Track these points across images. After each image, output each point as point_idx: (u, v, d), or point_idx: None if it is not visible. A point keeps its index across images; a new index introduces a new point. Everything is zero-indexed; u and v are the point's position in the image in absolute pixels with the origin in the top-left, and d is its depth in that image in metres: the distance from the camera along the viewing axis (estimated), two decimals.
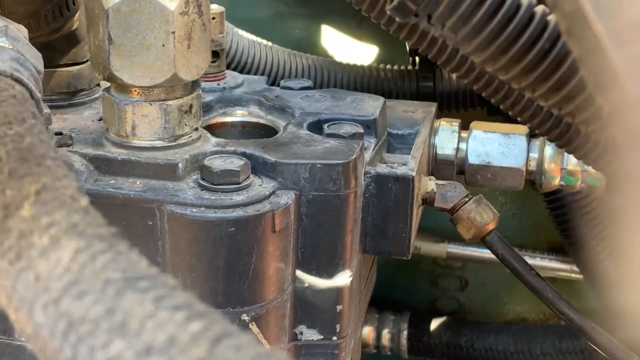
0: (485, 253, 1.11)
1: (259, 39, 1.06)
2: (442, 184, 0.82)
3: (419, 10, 0.49)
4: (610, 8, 0.34)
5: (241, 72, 0.98)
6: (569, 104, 0.50)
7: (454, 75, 1.05)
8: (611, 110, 0.36)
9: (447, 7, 0.48)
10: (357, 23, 1.17)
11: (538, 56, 0.49)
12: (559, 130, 0.63)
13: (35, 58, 0.59)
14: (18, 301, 0.35)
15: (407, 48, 1.09)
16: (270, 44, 1.06)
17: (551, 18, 0.50)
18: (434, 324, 1.16)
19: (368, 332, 1.15)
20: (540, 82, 0.50)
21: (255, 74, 1.00)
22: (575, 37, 0.36)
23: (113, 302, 0.32)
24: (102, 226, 0.37)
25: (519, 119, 0.67)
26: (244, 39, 1.02)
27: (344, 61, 1.09)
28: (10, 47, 0.57)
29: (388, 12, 0.51)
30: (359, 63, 1.09)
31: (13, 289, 0.35)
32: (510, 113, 0.67)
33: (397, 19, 0.50)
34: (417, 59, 1.08)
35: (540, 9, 0.50)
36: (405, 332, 1.14)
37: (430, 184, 0.82)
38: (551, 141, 0.66)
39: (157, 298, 0.32)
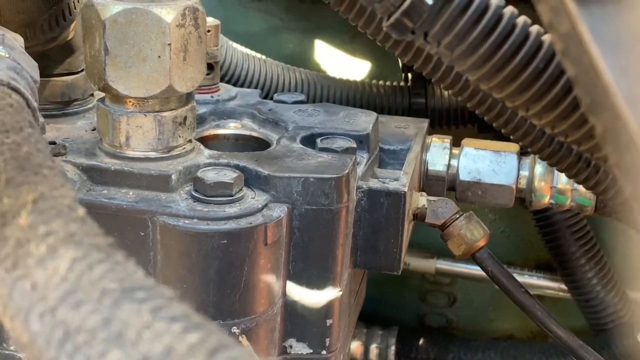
0: (474, 269, 1.11)
1: (253, 53, 1.06)
2: (433, 200, 0.82)
3: (416, 27, 0.49)
4: (618, 43, 0.34)
5: (235, 85, 0.98)
6: (562, 123, 0.51)
7: (445, 92, 1.06)
8: (604, 130, 0.37)
9: (443, 25, 0.49)
10: (350, 38, 1.17)
11: (532, 75, 0.50)
12: (551, 149, 0.64)
13: (32, 67, 0.59)
14: (14, 310, 0.34)
15: (400, 64, 1.10)
16: (264, 57, 1.06)
17: (546, 38, 0.51)
18: (422, 339, 1.16)
19: (356, 347, 1.15)
20: (534, 101, 0.50)
21: (248, 87, 1.00)
22: (570, 57, 0.37)
23: (110, 312, 0.32)
24: (99, 236, 0.37)
25: (511, 137, 0.67)
26: (238, 52, 1.03)
27: (337, 76, 1.09)
28: (7, 55, 0.57)
29: (384, 29, 0.51)
30: (351, 78, 1.10)
31: (9, 298, 0.35)
32: (502, 131, 0.67)
33: (394, 36, 0.51)
34: (409, 75, 1.08)
35: (535, 28, 0.51)
36: (393, 348, 1.14)
37: (421, 200, 0.82)
38: (542, 159, 0.67)
39: (154, 309, 0.32)
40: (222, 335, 0.31)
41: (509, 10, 0.50)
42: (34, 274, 0.34)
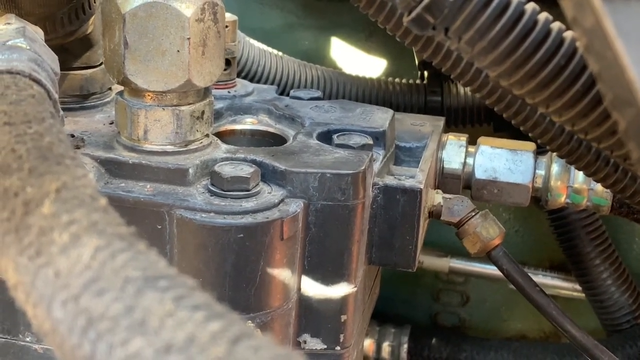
0: (488, 269, 1.11)
1: (270, 49, 1.06)
2: (449, 198, 0.82)
3: (437, 23, 0.49)
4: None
5: (251, 80, 0.98)
6: (582, 120, 0.50)
7: (462, 91, 1.06)
8: (627, 126, 0.37)
9: (464, 21, 0.49)
10: (365, 36, 1.17)
11: (553, 72, 0.50)
12: (569, 146, 0.64)
13: (52, 59, 0.59)
14: (37, 297, 0.35)
15: (416, 62, 1.09)
16: (280, 53, 1.06)
17: (567, 35, 0.51)
18: (435, 338, 1.15)
19: (368, 344, 1.15)
20: (555, 98, 0.50)
21: (265, 83, 1.01)
22: (594, 53, 0.37)
23: (133, 300, 0.32)
24: (121, 225, 0.37)
25: (530, 134, 0.67)
26: (255, 48, 1.03)
27: (353, 73, 1.09)
28: (28, 47, 0.58)
29: (405, 25, 0.51)
30: (367, 75, 1.09)
31: (32, 285, 0.35)
32: (521, 128, 0.67)
33: (415, 32, 0.51)
34: (425, 73, 1.08)
35: (556, 25, 0.51)
36: (405, 346, 1.14)
37: (437, 197, 0.82)
38: (561, 157, 0.67)
39: (177, 297, 0.32)
40: (244, 324, 0.31)
41: (531, 6, 0.50)
42: (57, 262, 0.35)
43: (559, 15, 0.50)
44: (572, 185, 0.85)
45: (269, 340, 0.30)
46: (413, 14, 0.49)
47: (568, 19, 0.39)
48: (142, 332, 0.31)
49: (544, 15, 0.51)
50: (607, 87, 0.37)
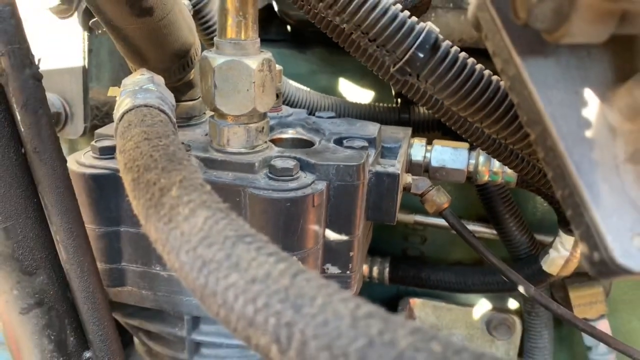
0: (438, 221, 1.10)
1: (302, 86, 1.05)
2: (415, 178, 0.82)
3: (412, 71, 0.48)
4: (546, 83, 0.34)
5: (290, 106, 0.98)
6: (503, 131, 0.50)
7: (422, 111, 1.05)
8: (536, 137, 0.36)
9: (429, 70, 0.48)
10: (361, 77, 1.16)
11: (485, 102, 0.49)
12: (493, 147, 0.63)
13: (170, 97, 0.59)
14: (169, 248, 0.35)
15: (393, 93, 1.08)
16: (308, 89, 1.05)
17: (494, 78, 0.50)
18: (405, 264, 1.15)
19: (364, 268, 1.15)
20: (486, 118, 0.50)
21: (299, 108, 1.00)
22: (515, 91, 0.36)
23: (230, 250, 0.32)
24: (220, 202, 0.37)
25: (468, 139, 0.66)
26: (292, 85, 1.02)
27: (354, 100, 1.08)
28: (156, 89, 0.57)
29: (391, 72, 0.51)
30: (362, 102, 1.08)
31: (166, 241, 0.35)
32: (463, 135, 0.66)
33: (397, 76, 0.50)
34: (399, 100, 1.07)
35: (487, 72, 0.50)
36: (387, 269, 1.14)
37: (407, 178, 0.82)
38: (488, 154, 0.66)
39: (258, 248, 0.32)
40: (300, 264, 0.31)
41: (471, 60, 0.49)
42: (182, 226, 0.34)
43: (489, 63, 0.49)
44: (492, 169, 0.84)
45: (317, 275, 0.30)
46: (397, 67, 0.48)
47: (498, 69, 0.38)
48: (237, 270, 0.31)
49: (479, 66, 0.50)
50: (523, 112, 0.36)
